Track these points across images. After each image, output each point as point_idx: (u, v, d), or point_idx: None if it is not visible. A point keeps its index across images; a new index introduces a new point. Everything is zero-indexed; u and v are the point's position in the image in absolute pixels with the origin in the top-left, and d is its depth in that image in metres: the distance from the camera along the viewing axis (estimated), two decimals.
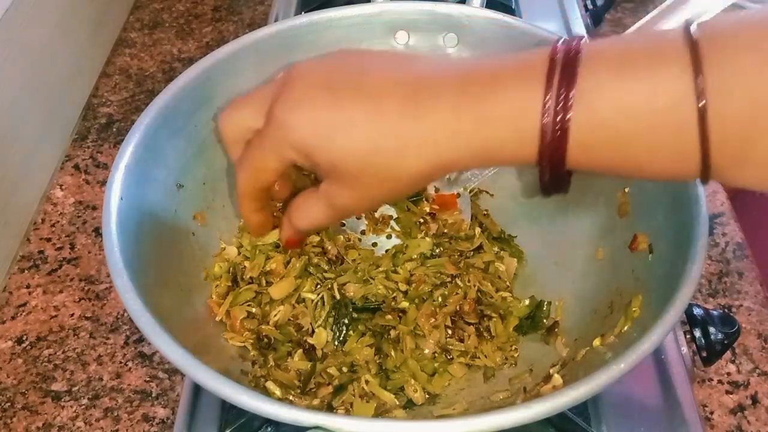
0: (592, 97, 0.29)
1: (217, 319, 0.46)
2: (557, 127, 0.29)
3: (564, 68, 0.29)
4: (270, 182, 0.38)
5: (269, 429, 0.46)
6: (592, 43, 0.30)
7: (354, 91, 0.33)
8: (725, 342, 0.47)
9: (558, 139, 0.29)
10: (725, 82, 0.27)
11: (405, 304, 0.47)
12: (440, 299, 0.47)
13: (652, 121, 0.28)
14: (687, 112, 0.27)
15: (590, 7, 0.79)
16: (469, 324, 0.47)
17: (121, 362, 0.55)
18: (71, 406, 0.52)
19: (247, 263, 0.48)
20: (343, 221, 0.51)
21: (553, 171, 0.31)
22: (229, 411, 0.46)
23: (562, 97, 0.29)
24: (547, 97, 0.29)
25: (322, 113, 0.33)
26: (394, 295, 0.47)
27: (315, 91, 0.33)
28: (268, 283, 0.47)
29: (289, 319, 0.46)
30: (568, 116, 0.29)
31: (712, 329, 0.47)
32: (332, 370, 0.44)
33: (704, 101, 0.27)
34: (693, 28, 0.28)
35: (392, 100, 0.32)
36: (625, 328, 0.39)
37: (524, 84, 0.30)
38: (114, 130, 0.74)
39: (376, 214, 0.51)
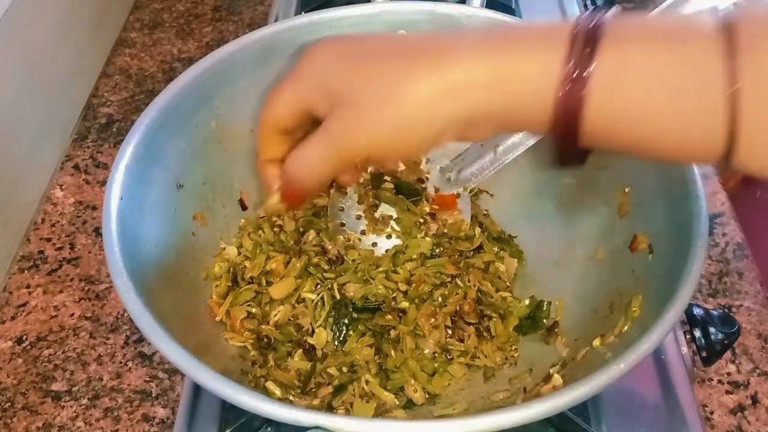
0: (613, 69, 0.28)
1: (217, 319, 0.46)
2: (574, 96, 0.29)
3: (587, 39, 0.29)
4: (284, 119, 0.36)
5: (269, 429, 0.46)
6: (619, 17, 0.29)
7: (384, 51, 0.33)
8: (725, 342, 0.47)
9: (574, 108, 0.29)
10: (759, 69, 0.26)
11: (405, 304, 0.47)
12: (440, 299, 0.47)
13: (677, 100, 0.27)
14: (716, 94, 0.26)
15: (590, 7, 0.79)
16: (469, 324, 0.47)
17: (121, 362, 0.55)
18: (71, 406, 0.52)
19: (247, 263, 0.48)
20: (343, 221, 0.51)
21: (565, 141, 0.30)
22: (229, 411, 0.46)
23: (581, 66, 0.28)
24: (568, 65, 0.29)
25: (349, 57, 0.33)
26: (394, 295, 0.47)
27: (344, 45, 0.34)
28: (268, 283, 0.48)
29: (289, 319, 0.47)
30: (585, 86, 0.28)
31: (712, 329, 0.47)
32: (332, 370, 0.44)
33: (738, 85, 0.26)
34: (727, 11, 0.27)
35: (422, 58, 0.32)
36: (625, 328, 0.39)
37: (546, 48, 0.30)
38: (114, 130, 0.74)
39: (376, 214, 0.51)
